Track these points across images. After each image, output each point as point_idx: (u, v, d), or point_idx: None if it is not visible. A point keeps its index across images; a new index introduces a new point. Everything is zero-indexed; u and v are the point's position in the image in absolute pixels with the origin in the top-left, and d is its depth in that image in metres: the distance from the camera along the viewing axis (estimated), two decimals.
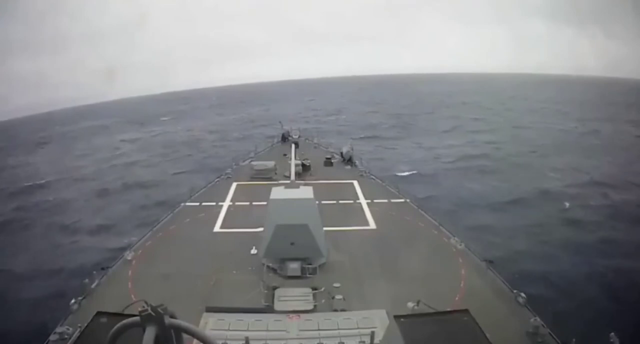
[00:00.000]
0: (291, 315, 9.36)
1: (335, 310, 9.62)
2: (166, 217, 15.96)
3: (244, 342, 7.70)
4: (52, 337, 8.63)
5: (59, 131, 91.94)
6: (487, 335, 6.11)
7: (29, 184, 41.41)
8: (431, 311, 8.06)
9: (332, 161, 23.56)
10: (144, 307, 2.99)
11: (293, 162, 16.38)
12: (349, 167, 22.90)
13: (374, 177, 21.28)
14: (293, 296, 10.06)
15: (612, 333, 8.06)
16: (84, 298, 10.27)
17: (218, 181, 20.71)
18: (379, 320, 8.71)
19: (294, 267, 11.41)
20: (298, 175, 18.45)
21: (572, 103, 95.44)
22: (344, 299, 9.84)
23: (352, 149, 24.05)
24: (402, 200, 17.78)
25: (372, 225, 15.19)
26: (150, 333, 2.93)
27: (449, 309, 7.53)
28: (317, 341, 8.32)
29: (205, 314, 9.08)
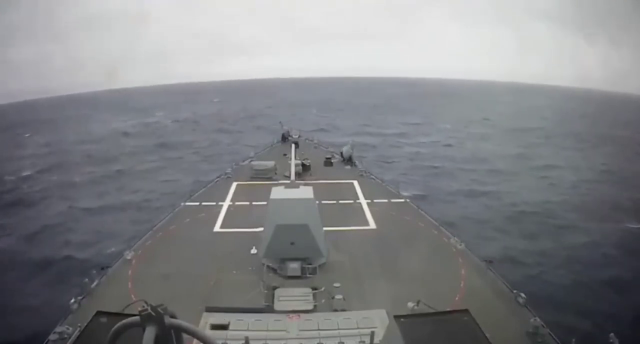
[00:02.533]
0: (291, 315, 9.35)
1: (335, 310, 9.61)
2: (166, 217, 15.94)
3: (243, 342, 7.70)
4: (52, 336, 8.62)
5: (53, 117, 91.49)
6: (487, 335, 6.10)
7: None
8: (431, 311, 8.05)
9: (332, 160, 23.58)
10: (143, 307, 2.99)
11: (293, 162, 16.38)
12: (349, 167, 22.92)
13: (374, 177, 21.29)
14: (293, 296, 10.05)
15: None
16: (83, 297, 10.26)
17: (218, 180, 20.70)
18: (379, 320, 8.71)
19: (294, 267, 11.40)
20: (298, 175, 18.45)
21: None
22: (344, 299, 9.83)
23: (352, 149, 24.07)
24: (402, 200, 17.80)
25: (372, 225, 15.19)
26: (150, 333, 2.92)
27: (449, 309, 7.52)
28: (317, 341, 8.32)
29: (205, 314, 9.08)
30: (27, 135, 68.88)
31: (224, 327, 8.61)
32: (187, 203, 17.42)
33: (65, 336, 8.54)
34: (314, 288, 10.33)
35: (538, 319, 8.99)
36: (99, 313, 6.44)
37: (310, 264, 11.60)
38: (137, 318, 2.98)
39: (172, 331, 3.09)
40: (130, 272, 11.77)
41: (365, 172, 21.58)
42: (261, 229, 12.74)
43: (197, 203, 17.42)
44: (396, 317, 6.49)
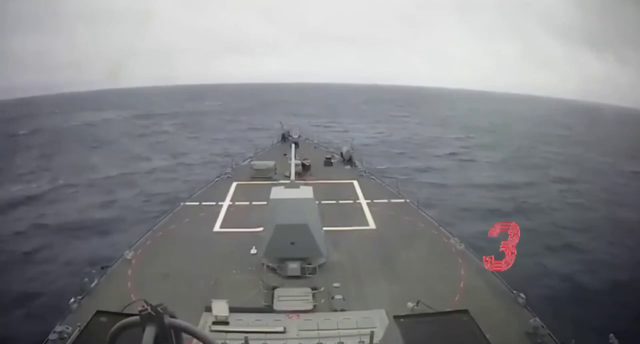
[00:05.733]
0: (291, 315, 9.36)
1: (335, 310, 9.63)
2: (166, 216, 15.94)
3: (243, 342, 7.70)
4: (52, 336, 8.61)
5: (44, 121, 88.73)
6: (487, 335, 6.10)
7: None
8: (431, 311, 8.05)
9: (332, 161, 23.62)
10: (143, 306, 2.98)
11: (293, 162, 16.38)
12: (348, 167, 22.93)
13: (373, 177, 21.31)
14: (293, 296, 10.07)
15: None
16: (83, 297, 10.25)
17: (218, 180, 20.69)
18: (378, 320, 8.73)
19: (293, 267, 11.40)
20: (298, 175, 18.45)
21: None
22: (343, 299, 9.85)
23: (352, 149, 24.09)
24: (402, 200, 17.80)
25: (372, 225, 15.19)
26: (150, 333, 2.92)
27: (448, 310, 7.52)
28: (317, 341, 8.32)
29: (205, 314, 9.08)
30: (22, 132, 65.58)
31: (224, 327, 8.61)
32: (187, 203, 17.41)
33: (65, 335, 8.52)
34: (314, 288, 10.34)
35: (538, 320, 9.00)
36: (99, 313, 6.44)
37: (310, 264, 11.60)
38: (137, 317, 2.98)
39: (172, 331, 3.09)
40: (130, 272, 11.76)
41: (365, 173, 21.58)
42: (261, 229, 12.76)
43: (197, 203, 17.41)
44: (396, 317, 6.49)
